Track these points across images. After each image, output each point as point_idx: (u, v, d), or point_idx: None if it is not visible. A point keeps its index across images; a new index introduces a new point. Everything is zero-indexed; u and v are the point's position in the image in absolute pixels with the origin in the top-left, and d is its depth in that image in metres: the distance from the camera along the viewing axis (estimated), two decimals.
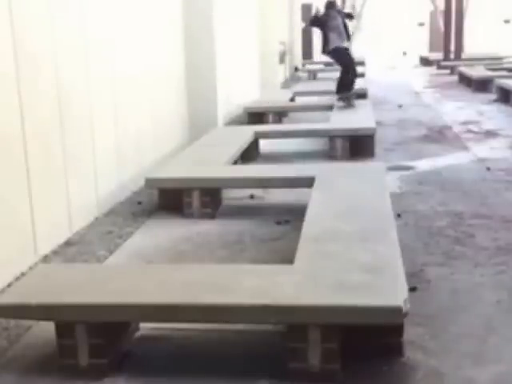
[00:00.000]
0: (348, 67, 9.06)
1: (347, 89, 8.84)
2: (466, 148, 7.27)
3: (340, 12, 9.67)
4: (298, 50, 20.33)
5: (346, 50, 9.35)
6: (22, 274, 3.56)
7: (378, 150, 6.94)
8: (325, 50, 9.32)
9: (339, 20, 9.21)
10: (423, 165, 6.43)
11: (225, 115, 8.40)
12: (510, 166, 6.24)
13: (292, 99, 10.85)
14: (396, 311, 2.36)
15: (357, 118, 7.57)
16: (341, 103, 8.69)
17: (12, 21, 3.66)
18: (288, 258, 3.16)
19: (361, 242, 3.10)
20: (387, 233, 3.22)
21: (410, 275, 3.26)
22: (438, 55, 21.81)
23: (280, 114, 9.45)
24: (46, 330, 2.80)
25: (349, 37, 9.57)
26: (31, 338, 2.92)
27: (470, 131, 8.43)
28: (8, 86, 3.63)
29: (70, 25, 4.46)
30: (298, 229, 3.54)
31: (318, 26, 9.46)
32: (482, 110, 10.35)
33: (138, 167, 5.65)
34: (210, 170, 5.01)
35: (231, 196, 5.29)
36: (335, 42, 9.06)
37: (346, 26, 9.36)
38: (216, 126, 7.59)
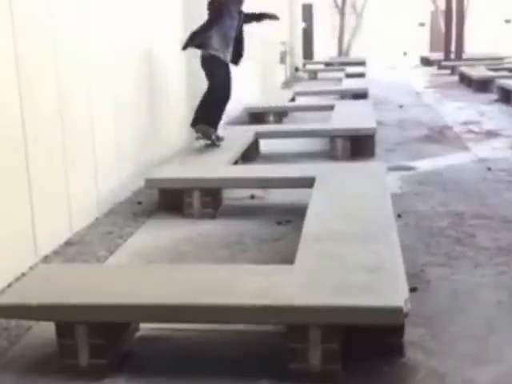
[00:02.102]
0: (217, 91, 6.09)
1: (211, 122, 6.06)
2: (466, 148, 7.26)
3: (245, 16, 6.30)
4: (298, 50, 20.34)
5: (226, 66, 6.16)
6: (23, 275, 3.56)
7: (378, 150, 6.93)
8: (192, 42, 6.03)
9: (235, 26, 6.14)
10: (424, 165, 6.42)
11: (225, 115, 8.37)
12: (510, 166, 6.23)
13: (292, 99, 10.86)
14: (396, 312, 2.36)
15: (357, 118, 7.57)
16: (201, 140, 6.12)
17: (13, 21, 3.66)
18: (289, 259, 3.16)
19: (361, 242, 3.10)
20: (388, 233, 3.22)
21: (411, 275, 3.25)
22: (439, 55, 21.84)
23: (280, 114, 9.45)
24: (46, 330, 2.80)
25: (238, 58, 6.39)
26: (31, 339, 2.92)
27: (470, 131, 8.42)
28: (9, 87, 3.63)
29: (71, 25, 4.45)
30: (298, 229, 3.54)
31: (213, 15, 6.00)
32: (483, 110, 10.34)
33: (138, 167, 5.65)
34: (211, 170, 5.01)
35: (232, 196, 5.29)
36: (215, 46, 6.02)
37: (241, 42, 6.32)
38: None
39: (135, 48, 5.74)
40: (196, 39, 5.98)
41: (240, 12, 6.20)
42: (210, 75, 6.10)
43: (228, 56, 6.16)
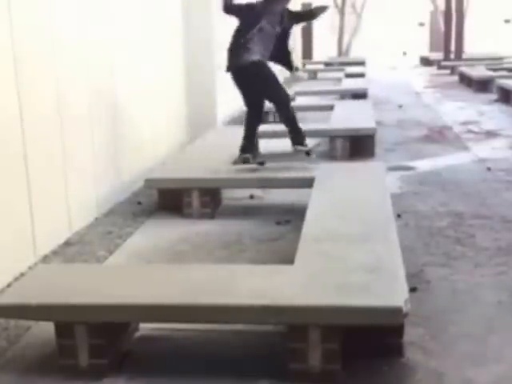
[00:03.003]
0: (283, 103, 4.99)
1: (301, 137, 5.11)
2: (466, 148, 7.26)
3: (290, 15, 5.06)
4: (298, 49, 20.31)
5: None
6: (22, 275, 3.55)
7: (378, 150, 6.93)
8: (234, 63, 4.92)
9: (275, 29, 4.93)
10: (423, 165, 6.42)
11: (224, 115, 8.39)
12: (510, 166, 6.23)
13: (292, 99, 10.84)
14: (396, 312, 2.35)
15: (357, 118, 7.56)
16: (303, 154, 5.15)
17: (11, 20, 3.65)
18: (288, 259, 3.15)
19: (361, 242, 3.10)
20: (387, 233, 3.22)
21: (411, 275, 3.25)
22: (439, 55, 21.84)
23: None
24: (45, 330, 2.80)
25: (289, 64, 5.27)
26: (31, 339, 2.92)
27: (470, 131, 8.42)
28: (7, 86, 3.62)
29: (69, 25, 4.45)
30: (297, 229, 3.54)
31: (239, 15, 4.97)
32: (483, 110, 10.34)
33: (138, 167, 5.64)
34: (210, 170, 5.00)
35: (231, 196, 5.29)
36: (256, 52, 4.85)
37: (286, 44, 5.09)
38: (215, 126, 7.58)
39: (134, 48, 5.74)
40: (236, 53, 4.91)
41: (282, 16, 4.96)
42: (265, 83, 4.91)
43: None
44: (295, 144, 5.11)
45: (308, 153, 5.14)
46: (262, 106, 5.12)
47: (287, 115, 5.03)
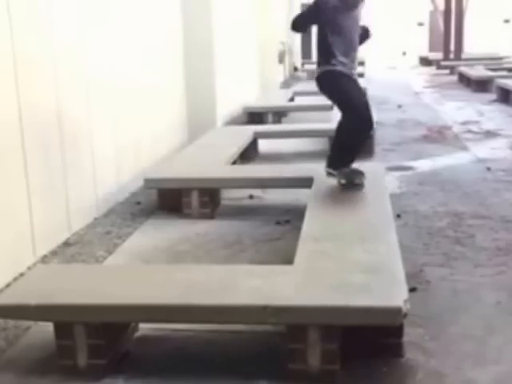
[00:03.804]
0: (354, 113, 4.24)
1: (344, 162, 4.31)
2: (465, 148, 7.26)
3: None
4: (297, 49, 20.32)
5: (353, 79, 4.43)
6: (21, 275, 3.55)
7: (377, 150, 6.93)
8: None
9: (356, 17, 4.38)
10: (423, 165, 6.42)
11: (224, 115, 8.39)
12: (510, 166, 6.23)
13: (291, 99, 10.84)
14: (396, 312, 2.35)
15: None
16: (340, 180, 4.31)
17: (11, 21, 3.65)
18: (288, 259, 3.15)
19: (360, 242, 3.09)
20: (387, 233, 3.22)
21: (410, 276, 3.25)
22: (438, 55, 21.85)
23: (279, 114, 9.44)
24: (44, 330, 2.79)
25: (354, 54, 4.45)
26: (30, 339, 2.91)
27: (469, 131, 8.42)
28: (7, 87, 3.62)
29: (69, 29, 4.44)
30: (297, 229, 3.54)
31: (315, 23, 4.50)
32: (482, 110, 10.35)
33: (137, 167, 5.64)
34: (209, 170, 5.00)
35: (230, 196, 5.28)
36: (337, 57, 4.36)
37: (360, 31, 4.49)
38: (215, 126, 7.58)
39: (134, 49, 5.73)
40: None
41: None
42: (334, 96, 4.55)
43: (354, 68, 4.45)
44: (327, 166, 4.40)
45: (343, 183, 4.28)
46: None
47: (340, 129, 4.36)
